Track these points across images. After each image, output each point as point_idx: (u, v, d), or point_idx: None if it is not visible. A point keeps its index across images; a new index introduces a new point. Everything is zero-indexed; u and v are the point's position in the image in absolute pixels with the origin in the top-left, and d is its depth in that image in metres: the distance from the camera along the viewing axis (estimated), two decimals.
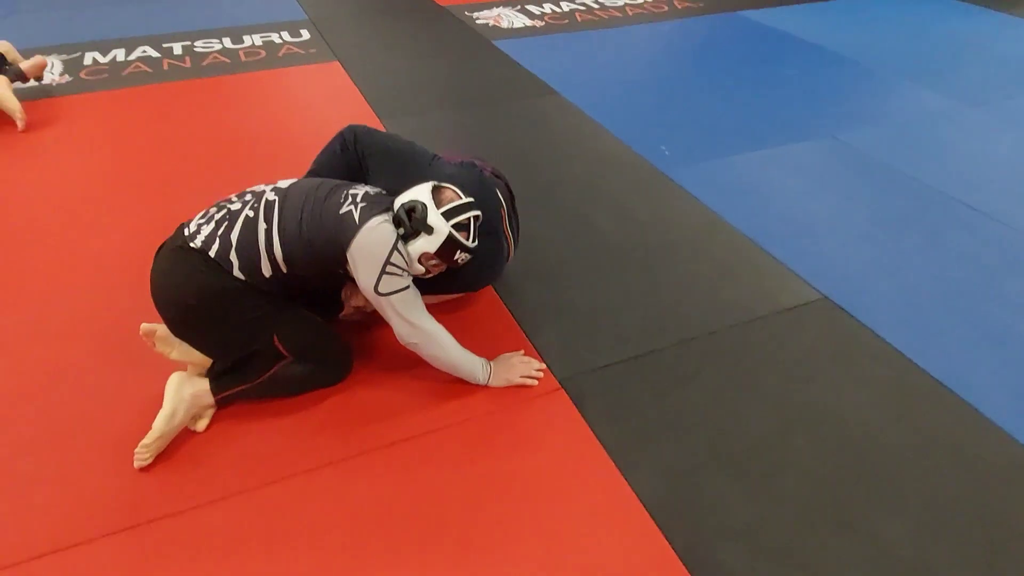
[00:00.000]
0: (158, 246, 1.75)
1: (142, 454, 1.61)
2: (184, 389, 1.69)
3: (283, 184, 1.78)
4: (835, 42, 4.37)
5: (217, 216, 1.71)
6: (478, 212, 1.76)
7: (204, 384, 1.73)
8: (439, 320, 1.76)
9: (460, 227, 1.71)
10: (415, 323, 1.70)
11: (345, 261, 1.67)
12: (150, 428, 1.63)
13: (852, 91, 3.72)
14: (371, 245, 1.64)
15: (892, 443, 1.71)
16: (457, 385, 1.83)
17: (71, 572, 1.41)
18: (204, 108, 3.46)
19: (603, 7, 5.06)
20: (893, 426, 1.75)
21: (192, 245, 1.66)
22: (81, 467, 1.62)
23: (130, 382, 1.83)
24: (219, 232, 1.67)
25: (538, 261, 2.35)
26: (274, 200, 1.71)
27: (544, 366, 1.89)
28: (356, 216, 1.66)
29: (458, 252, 1.73)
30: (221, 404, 1.76)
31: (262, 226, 1.67)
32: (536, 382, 1.84)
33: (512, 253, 2.12)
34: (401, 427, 1.73)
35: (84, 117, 3.36)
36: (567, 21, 4.78)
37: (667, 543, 1.47)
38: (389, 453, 1.67)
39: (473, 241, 1.75)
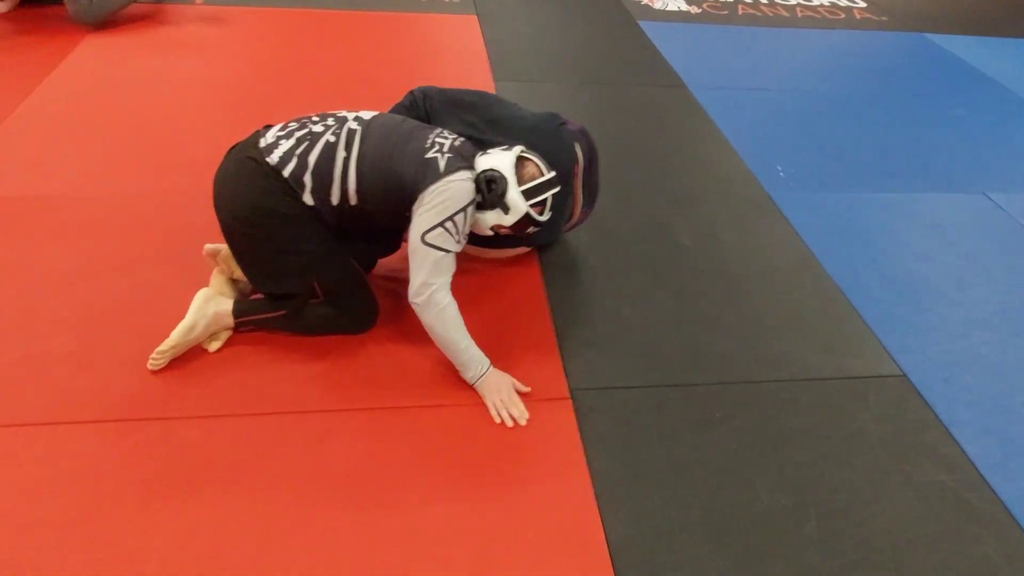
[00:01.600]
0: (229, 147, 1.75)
1: (156, 359, 1.67)
2: (208, 307, 1.74)
3: (366, 115, 1.75)
4: None
5: (298, 134, 1.68)
6: (558, 188, 1.74)
7: (228, 305, 1.76)
8: (478, 285, 1.78)
9: (537, 204, 1.70)
10: (434, 287, 1.62)
11: (411, 203, 1.64)
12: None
13: None
14: (445, 196, 1.60)
15: (919, 567, 1.45)
16: None
17: (55, 445, 1.50)
18: (336, 39, 3.54)
19: (772, 3, 4.66)
20: (929, 544, 1.49)
21: (268, 159, 1.64)
22: (103, 354, 1.72)
23: (177, 284, 1.91)
24: (297, 151, 1.65)
25: (599, 259, 2.21)
26: (356, 129, 1.68)
27: (528, 416, 1.67)
28: (441, 165, 1.62)
29: (530, 227, 1.73)
30: (239, 329, 1.80)
31: (341, 153, 1.65)
32: (499, 420, 1.65)
33: (578, 214, 2.06)
34: (397, 394, 1.70)
35: (231, 27, 3.55)
36: (726, 12, 4.44)
37: None
38: (374, 416, 1.64)
39: (547, 215, 1.74)
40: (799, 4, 4.70)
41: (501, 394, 1.69)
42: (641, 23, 4.12)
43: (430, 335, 1.70)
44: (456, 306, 1.67)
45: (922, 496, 1.59)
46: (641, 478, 1.57)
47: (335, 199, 1.66)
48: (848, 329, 2.04)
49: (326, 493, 1.47)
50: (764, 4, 4.64)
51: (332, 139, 1.66)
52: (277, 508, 1.43)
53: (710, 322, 2.01)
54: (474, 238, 1.73)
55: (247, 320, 1.78)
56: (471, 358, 1.69)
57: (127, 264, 1.99)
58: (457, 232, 1.62)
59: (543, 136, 1.87)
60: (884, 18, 4.60)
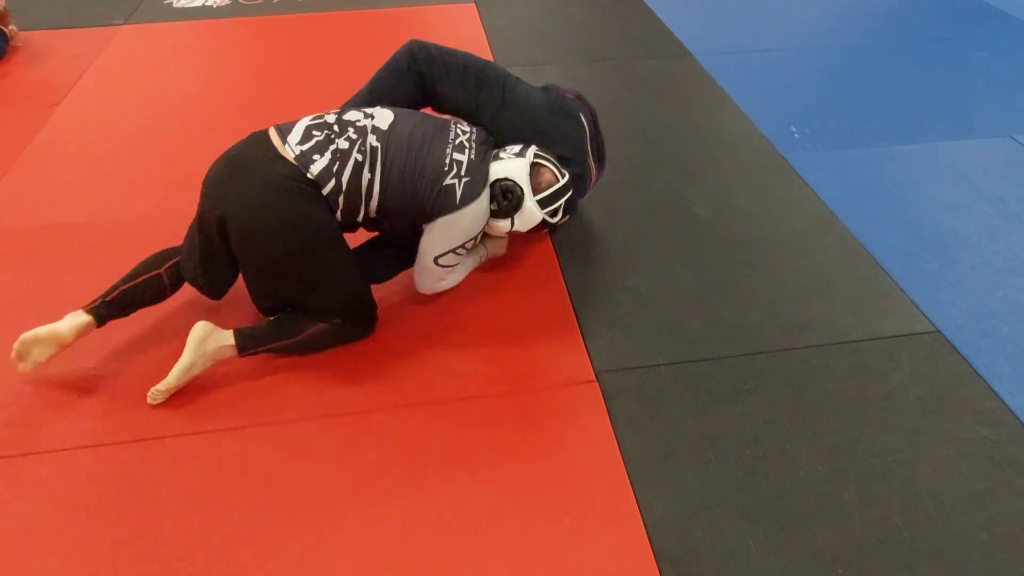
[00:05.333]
0: (231, 154, 1.68)
1: (155, 396, 1.64)
2: (207, 344, 1.64)
3: (382, 123, 1.70)
4: None
5: (329, 149, 1.62)
6: (571, 192, 1.76)
7: (228, 339, 1.66)
8: (493, 272, 1.93)
9: (553, 211, 1.74)
10: (444, 284, 1.85)
11: (424, 222, 1.70)
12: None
13: None
14: (459, 228, 1.68)
15: (967, 525, 1.42)
16: (483, 359, 1.77)
17: (99, 467, 1.54)
18: (337, 40, 3.54)
19: None
20: (974, 504, 1.46)
21: (308, 174, 1.58)
22: (134, 374, 1.75)
23: (199, 301, 1.92)
24: (333, 169, 1.61)
25: (614, 237, 2.19)
26: (377, 147, 1.66)
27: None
28: (458, 194, 1.65)
29: (544, 228, 1.80)
30: (244, 356, 1.71)
31: (366, 176, 1.64)
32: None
33: (596, 177, 2.08)
34: (421, 391, 1.70)
35: (232, 39, 3.57)
36: None
37: (657, 574, 1.34)
38: (402, 414, 1.65)
39: (559, 217, 1.77)
40: None
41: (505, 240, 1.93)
42: None
43: None
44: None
45: (965, 453, 1.55)
46: (674, 456, 1.55)
47: (360, 217, 1.69)
48: (876, 288, 1.99)
49: (363, 492, 1.48)
50: None
51: (360, 158, 1.64)
52: (316, 511, 1.45)
53: (733, 293, 1.98)
54: None
55: (256, 351, 1.71)
56: (475, 261, 1.93)
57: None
58: (466, 250, 1.76)
59: (552, 115, 1.90)
60: None
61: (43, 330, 1.63)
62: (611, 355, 1.79)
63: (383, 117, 1.73)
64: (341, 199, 1.63)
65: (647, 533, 1.40)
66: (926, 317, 1.89)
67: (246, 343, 1.68)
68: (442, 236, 1.68)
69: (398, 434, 1.61)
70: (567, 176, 1.73)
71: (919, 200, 2.35)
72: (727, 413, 1.65)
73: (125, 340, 1.84)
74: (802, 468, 1.53)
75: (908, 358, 1.78)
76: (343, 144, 1.64)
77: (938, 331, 1.85)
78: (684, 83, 3.10)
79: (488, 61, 1.97)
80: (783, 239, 2.18)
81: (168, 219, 2.28)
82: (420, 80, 1.91)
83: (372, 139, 1.67)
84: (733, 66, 3.21)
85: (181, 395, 1.68)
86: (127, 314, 1.75)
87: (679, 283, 2.02)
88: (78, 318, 1.67)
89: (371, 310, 1.81)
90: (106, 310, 1.70)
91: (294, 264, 1.63)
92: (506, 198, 1.66)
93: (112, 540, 1.40)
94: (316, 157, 1.61)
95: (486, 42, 3.48)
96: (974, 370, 1.74)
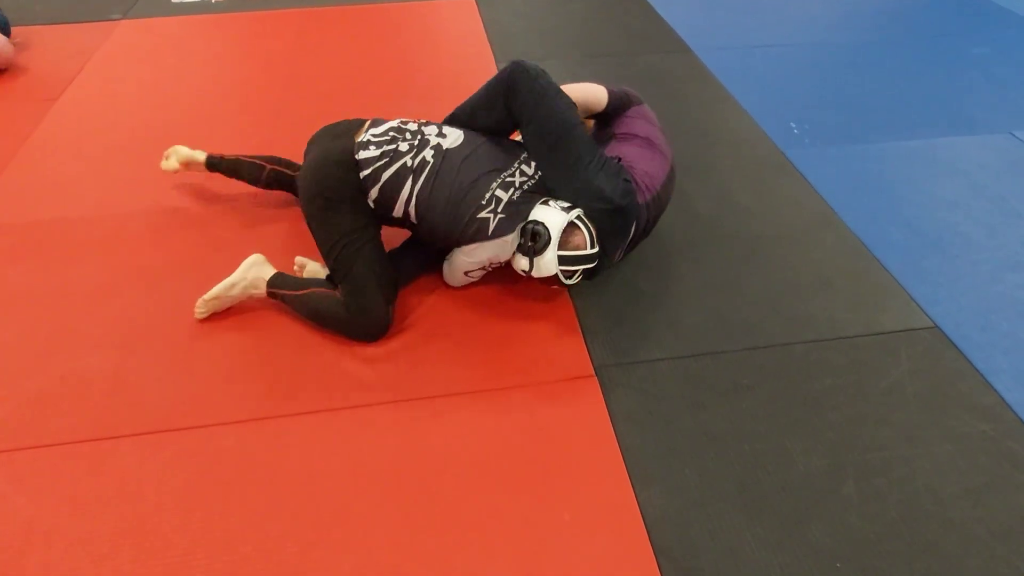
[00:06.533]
0: (333, 122, 1.90)
1: (200, 308, 1.85)
2: (251, 271, 1.87)
3: (445, 141, 1.80)
4: None
5: (386, 147, 1.78)
6: (594, 264, 1.75)
7: (268, 273, 1.87)
8: (495, 268, 1.88)
9: (568, 272, 1.73)
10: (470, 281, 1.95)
11: (457, 243, 1.81)
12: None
13: None
14: (487, 253, 1.76)
15: (964, 520, 1.43)
16: (483, 354, 1.77)
17: (99, 461, 1.54)
18: (338, 35, 3.52)
19: None
20: (972, 499, 1.46)
21: (355, 156, 1.77)
22: (136, 368, 1.75)
23: (200, 295, 1.94)
24: (376, 164, 1.76)
25: None
26: (430, 163, 1.76)
27: None
28: (491, 227, 1.72)
29: (555, 284, 1.80)
30: (270, 296, 1.89)
31: (408, 184, 1.76)
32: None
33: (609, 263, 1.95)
34: (415, 386, 1.71)
35: (231, 34, 3.56)
36: None
37: (658, 571, 1.34)
38: (403, 409, 1.65)
39: (573, 280, 1.77)
40: None
41: None
42: None
43: None
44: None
45: (963, 448, 1.56)
46: (673, 451, 1.56)
47: (398, 213, 1.80)
48: (875, 284, 2.00)
49: (363, 488, 1.49)
50: None
51: (409, 163, 1.76)
52: (316, 506, 1.45)
53: (732, 288, 1.98)
54: None
55: (276, 293, 1.86)
56: None
57: (151, 279, 2.02)
58: (494, 267, 1.85)
59: (607, 214, 1.75)
60: None
61: (183, 149, 2.24)
62: (611, 350, 1.79)
63: (452, 138, 1.82)
64: (376, 190, 1.76)
65: (646, 528, 1.41)
66: (925, 313, 1.89)
67: (274, 283, 1.86)
68: (473, 256, 1.79)
69: (397, 429, 1.61)
70: (596, 248, 1.73)
71: (918, 196, 2.35)
72: (726, 408, 1.65)
73: (126, 336, 1.84)
74: (801, 463, 1.53)
75: (907, 354, 1.78)
76: (403, 147, 1.79)
77: (936, 327, 1.85)
78: (684, 79, 3.10)
79: (579, 126, 1.79)
80: (782, 235, 2.18)
81: (167, 213, 2.29)
82: (510, 114, 1.84)
83: (428, 153, 1.78)
84: (733, 62, 3.21)
85: (180, 389, 1.69)
86: (230, 177, 2.22)
87: (679, 278, 2.02)
88: (198, 152, 2.22)
89: (374, 312, 1.78)
90: (217, 161, 2.21)
91: (307, 203, 1.81)
92: (532, 239, 1.69)
93: (112, 535, 1.40)
94: (372, 148, 1.78)
95: (486, 37, 3.47)
96: (972, 365, 1.74)
